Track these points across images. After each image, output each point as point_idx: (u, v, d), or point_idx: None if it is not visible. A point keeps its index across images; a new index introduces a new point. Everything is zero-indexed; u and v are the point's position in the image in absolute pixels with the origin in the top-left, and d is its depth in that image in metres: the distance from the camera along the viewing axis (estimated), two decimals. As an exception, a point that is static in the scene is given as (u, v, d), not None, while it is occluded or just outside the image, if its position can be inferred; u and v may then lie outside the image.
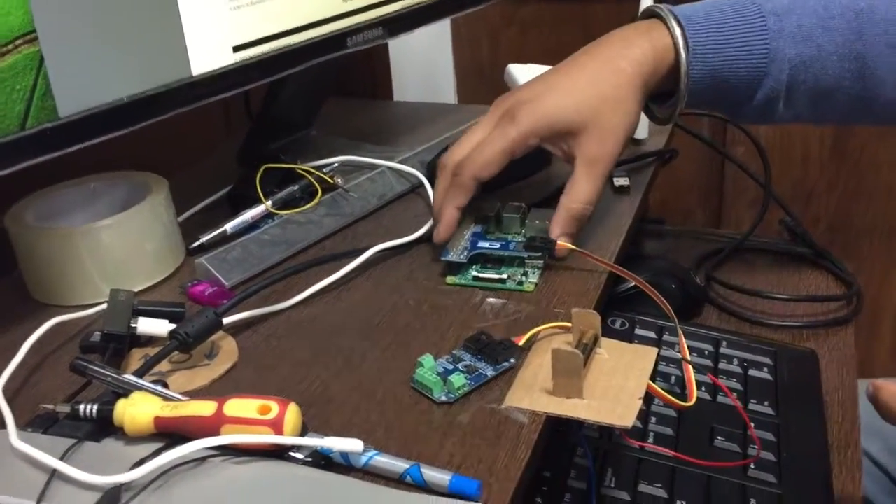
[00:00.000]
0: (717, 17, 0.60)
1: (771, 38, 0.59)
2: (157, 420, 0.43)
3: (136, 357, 0.54)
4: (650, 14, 0.63)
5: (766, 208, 0.82)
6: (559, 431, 0.50)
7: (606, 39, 0.62)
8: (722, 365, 0.63)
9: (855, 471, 0.56)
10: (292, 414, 0.43)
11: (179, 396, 0.46)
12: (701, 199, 1.32)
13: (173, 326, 0.53)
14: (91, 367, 0.47)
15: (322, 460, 0.43)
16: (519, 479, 0.43)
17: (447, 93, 1.30)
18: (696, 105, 0.63)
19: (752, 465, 0.53)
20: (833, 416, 0.61)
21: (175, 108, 0.59)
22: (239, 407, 0.43)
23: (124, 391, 0.46)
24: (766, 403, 0.59)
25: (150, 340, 0.55)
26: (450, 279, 0.61)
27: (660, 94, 0.64)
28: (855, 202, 1.25)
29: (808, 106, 0.61)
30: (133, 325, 0.53)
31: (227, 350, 0.54)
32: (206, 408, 0.43)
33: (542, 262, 0.60)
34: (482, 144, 0.61)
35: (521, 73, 0.88)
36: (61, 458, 0.41)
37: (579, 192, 0.60)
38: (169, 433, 0.44)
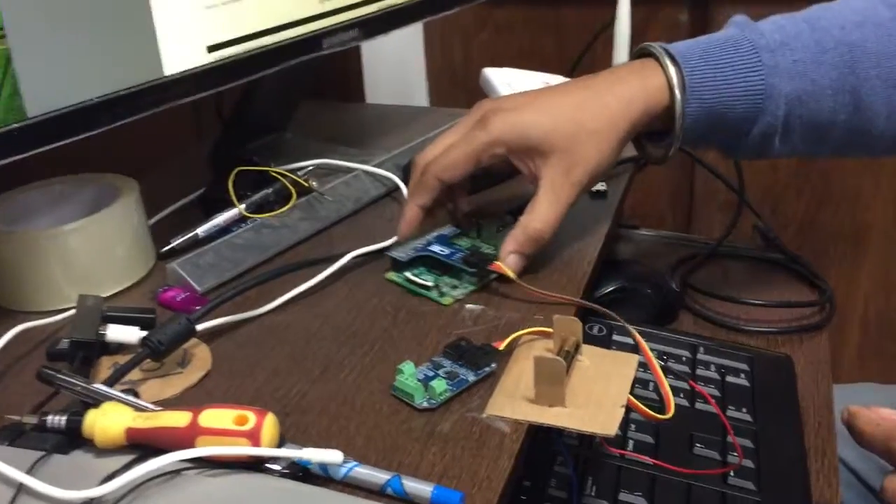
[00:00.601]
0: (712, 55, 0.59)
1: (767, 74, 0.58)
2: (129, 431, 0.42)
3: (106, 365, 0.52)
4: (643, 53, 0.62)
5: (740, 213, 0.82)
6: (538, 439, 0.49)
7: (600, 74, 0.62)
8: (700, 371, 0.63)
9: (832, 477, 0.56)
10: (269, 424, 0.42)
11: (152, 406, 0.45)
12: (671, 204, 1.33)
13: (144, 333, 0.51)
14: (59, 375, 0.45)
15: (300, 472, 0.42)
16: (502, 490, 0.42)
17: (419, 95, 1.30)
18: (690, 143, 0.62)
19: (732, 473, 0.53)
20: (809, 423, 0.61)
21: (146, 109, 0.58)
22: (214, 417, 0.42)
23: (94, 401, 0.44)
24: (744, 410, 0.59)
25: (120, 348, 0.54)
26: (389, 274, 0.61)
27: (654, 132, 0.63)
28: (822, 208, 1.27)
29: (804, 141, 0.61)
30: (102, 332, 0.52)
31: (201, 358, 0.53)
32: (180, 418, 0.42)
33: (475, 278, 0.59)
34: (450, 147, 0.60)
35: (497, 77, 0.87)
36: (28, 472, 0.40)
37: (540, 213, 0.59)
38: (142, 445, 0.42)
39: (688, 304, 0.75)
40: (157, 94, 0.59)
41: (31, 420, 0.43)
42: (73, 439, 0.43)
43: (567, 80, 0.91)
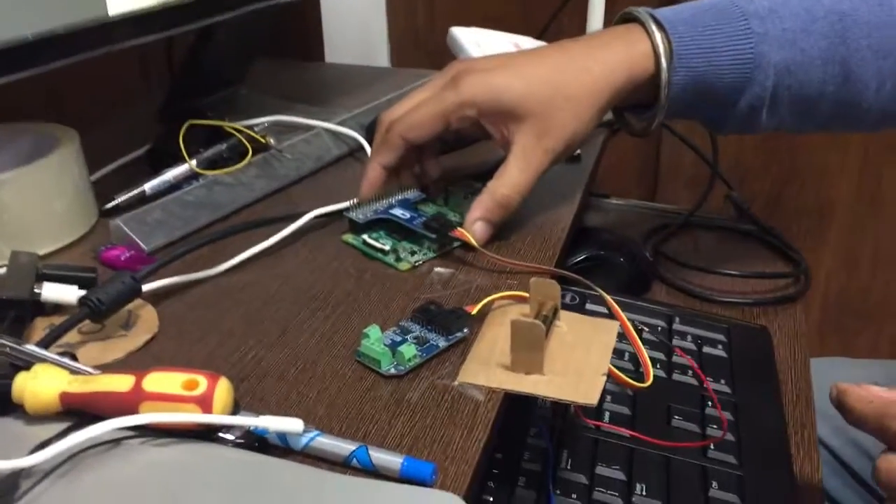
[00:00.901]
0: (700, 21, 0.56)
1: (756, 42, 0.55)
2: (64, 396, 0.38)
3: (40, 327, 0.47)
4: (627, 18, 0.58)
5: (713, 184, 0.80)
6: (510, 409, 0.46)
7: (581, 38, 0.58)
8: (676, 341, 0.60)
9: (812, 452, 0.54)
10: (223, 389, 0.38)
11: (90, 370, 0.40)
12: (636, 178, 1.31)
13: (83, 293, 0.47)
14: None
15: (256, 442, 0.38)
16: (477, 462, 0.39)
17: (381, 58, 1.25)
18: (674, 115, 0.59)
19: (712, 446, 0.51)
20: (787, 395, 0.59)
21: (86, 50, 0.53)
22: (161, 381, 0.38)
23: (25, 363, 0.40)
24: (722, 381, 0.57)
25: (56, 309, 0.49)
26: (345, 236, 0.57)
27: (636, 105, 0.59)
28: (789, 184, 1.26)
29: (791, 113, 0.58)
30: (37, 291, 0.47)
31: (146, 320, 0.49)
32: (122, 382, 0.38)
33: (436, 244, 0.56)
34: (418, 105, 0.57)
35: (465, 36, 0.83)
36: (-53, 441, 0.35)
37: (509, 178, 0.55)
38: (78, 412, 0.38)
39: (661, 274, 0.72)
40: (100, 35, 0.54)
41: None
42: (2, 405, 0.38)
43: (539, 43, 0.88)
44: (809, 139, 1.21)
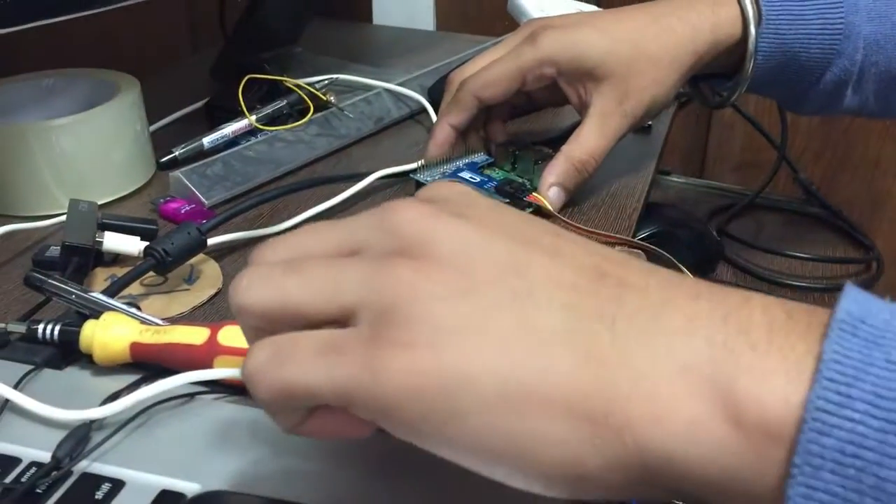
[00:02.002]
0: None
1: (846, 12, 0.52)
2: (135, 347, 0.36)
3: (101, 277, 0.46)
4: None
5: (780, 166, 0.77)
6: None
7: (665, 0, 0.55)
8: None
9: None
10: None
11: (159, 321, 0.38)
12: (684, 159, 1.28)
13: (146, 244, 0.45)
14: (50, 281, 0.39)
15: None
16: None
17: (425, 22, 1.23)
18: (756, 88, 0.56)
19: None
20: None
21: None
22: (237, 336, 0.35)
23: (92, 312, 0.38)
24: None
25: (115, 260, 0.47)
26: None
27: (715, 74, 0.56)
28: (840, 172, 1.22)
29: (876, 92, 0.55)
30: (99, 239, 0.45)
31: (210, 275, 0.47)
32: (196, 335, 0.36)
33: None
34: (493, 63, 0.54)
35: (528, 0, 0.80)
36: (15, 387, 0.34)
37: (586, 141, 0.52)
38: (148, 364, 0.36)
39: (727, 255, 0.70)
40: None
41: (19, 328, 0.37)
42: (68, 354, 0.37)
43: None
44: (864, 127, 1.18)
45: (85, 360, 0.37)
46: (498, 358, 0.22)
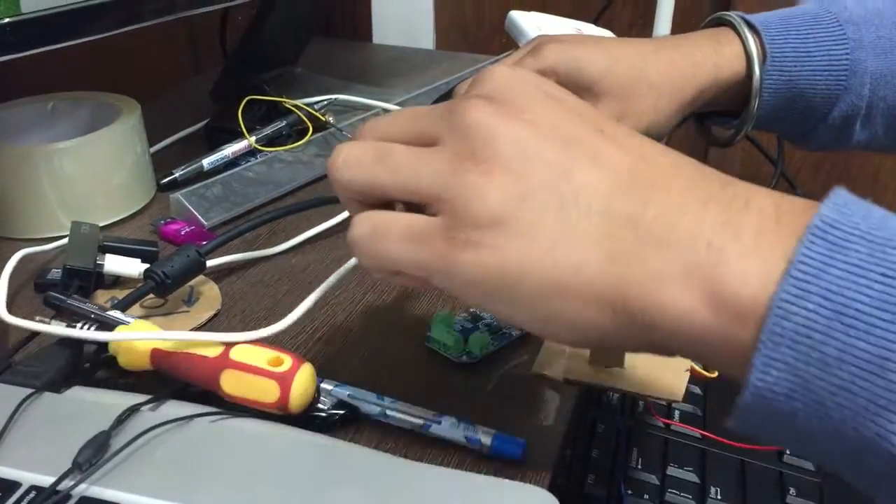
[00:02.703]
0: (793, 25, 0.53)
1: (851, 49, 0.52)
2: (155, 352, 0.37)
3: (102, 299, 0.46)
4: (718, 22, 0.55)
5: (778, 179, 0.77)
6: (579, 404, 0.44)
7: (669, 36, 0.55)
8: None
9: None
10: (305, 373, 0.36)
11: (175, 335, 0.39)
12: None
13: (146, 266, 0.46)
14: (69, 301, 0.41)
15: (346, 409, 0.37)
16: (556, 457, 0.37)
17: (425, 41, 1.24)
18: (762, 125, 0.55)
19: (788, 451, 0.49)
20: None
21: (155, 16, 0.52)
22: (248, 353, 0.36)
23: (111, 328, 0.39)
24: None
25: (116, 282, 0.48)
26: None
27: (721, 113, 0.56)
28: (839, 186, 1.23)
29: (886, 126, 0.54)
30: (100, 262, 0.46)
31: (209, 296, 0.47)
32: (212, 348, 0.37)
33: None
34: None
35: (525, 20, 0.81)
36: (15, 411, 0.34)
37: None
38: (163, 370, 0.38)
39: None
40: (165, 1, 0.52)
41: (60, 327, 0.39)
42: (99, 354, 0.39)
43: (601, 29, 0.86)
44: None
45: (85, 378, 0.37)
46: (545, 257, 0.29)
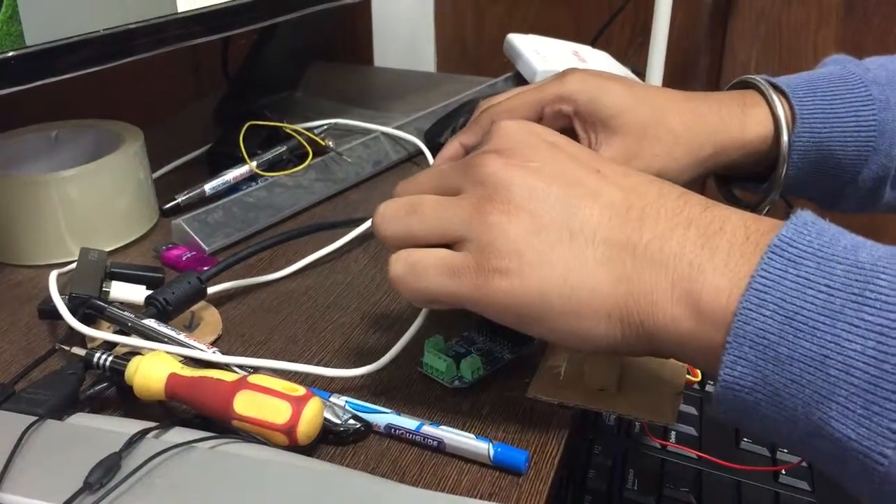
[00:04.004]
0: (819, 86, 0.52)
1: (878, 109, 0.51)
2: (172, 377, 0.38)
3: (106, 326, 0.47)
4: (743, 84, 0.54)
5: (775, 201, 0.78)
6: (575, 426, 0.45)
7: (699, 93, 0.53)
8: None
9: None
10: (314, 405, 0.37)
11: (204, 347, 0.42)
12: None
13: (150, 293, 0.46)
14: (109, 309, 0.43)
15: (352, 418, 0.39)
16: (552, 479, 0.37)
17: (426, 64, 1.25)
18: (791, 187, 0.54)
19: (784, 471, 0.49)
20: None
21: (156, 47, 0.53)
22: (265, 379, 0.38)
23: (141, 334, 0.42)
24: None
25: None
26: None
27: (747, 177, 0.55)
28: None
29: None
30: (106, 290, 0.47)
31: (210, 322, 0.48)
32: (230, 375, 0.38)
33: None
34: (518, 93, 0.53)
35: (523, 43, 0.82)
36: (20, 440, 0.35)
37: None
38: (175, 396, 0.39)
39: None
40: (169, 30, 0.53)
41: (80, 353, 0.40)
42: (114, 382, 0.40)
43: (598, 51, 0.87)
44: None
45: (90, 406, 0.38)
46: (563, 282, 0.35)
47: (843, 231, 0.32)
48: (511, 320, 0.36)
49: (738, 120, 0.51)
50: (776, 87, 0.52)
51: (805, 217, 0.32)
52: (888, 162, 0.52)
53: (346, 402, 0.40)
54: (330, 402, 0.40)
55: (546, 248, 0.35)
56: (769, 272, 0.30)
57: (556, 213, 0.35)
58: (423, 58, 1.25)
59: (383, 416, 0.39)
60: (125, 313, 0.43)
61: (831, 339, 0.29)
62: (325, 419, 0.38)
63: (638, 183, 0.37)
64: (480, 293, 0.36)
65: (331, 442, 0.39)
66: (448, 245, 0.37)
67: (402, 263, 0.38)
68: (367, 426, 0.39)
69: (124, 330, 0.43)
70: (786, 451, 0.51)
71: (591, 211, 0.35)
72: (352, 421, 0.39)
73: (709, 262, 0.33)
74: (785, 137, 0.51)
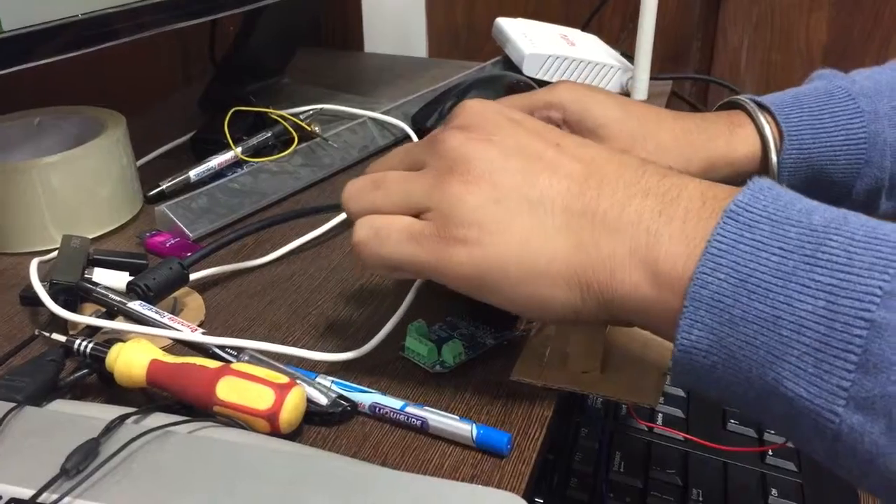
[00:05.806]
0: (805, 102, 0.52)
1: (868, 121, 0.51)
2: (154, 363, 0.38)
3: (88, 312, 0.47)
4: (729, 105, 0.54)
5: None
6: (561, 408, 0.45)
7: (690, 113, 0.54)
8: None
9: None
10: (300, 392, 0.37)
11: (192, 326, 0.42)
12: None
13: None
14: (97, 290, 0.44)
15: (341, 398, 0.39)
16: (534, 462, 0.37)
17: (418, 49, 1.24)
18: None
19: (771, 452, 0.49)
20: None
21: (137, 31, 0.52)
22: (249, 368, 0.38)
23: (126, 316, 0.42)
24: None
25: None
26: None
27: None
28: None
29: None
30: (88, 276, 0.46)
31: (193, 308, 0.48)
32: (212, 363, 0.38)
33: None
34: (509, 99, 0.53)
35: (511, 26, 0.82)
36: (-2, 425, 0.35)
37: None
38: (156, 383, 0.38)
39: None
40: (149, 15, 0.53)
41: (60, 339, 0.40)
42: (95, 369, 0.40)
43: (587, 34, 0.86)
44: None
45: (70, 392, 0.38)
46: (521, 250, 0.35)
47: (799, 196, 0.32)
48: (471, 289, 0.37)
49: (724, 139, 0.51)
50: (762, 107, 0.52)
51: (762, 183, 0.32)
52: (881, 173, 0.52)
53: (333, 381, 0.40)
54: (317, 382, 0.40)
55: (505, 217, 0.35)
56: (724, 236, 0.31)
57: (516, 184, 0.36)
58: (415, 44, 1.25)
59: (368, 396, 0.39)
60: (111, 297, 0.43)
61: (784, 299, 0.29)
62: (312, 401, 0.38)
63: (597, 155, 0.37)
64: (441, 261, 0.36)
65: (316, 423, 0.39)
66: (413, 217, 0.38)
67: (366, 228, 0.38)
68: (354, 406, 0.39)
69: (111, 312, 0.43)
70: (771, 431, 0.50)
71: (550, 182, 0.36)
72: (339, 401, 0.39)
73: (665, 228, 0.33)
74: (773, 156, 0.51)
